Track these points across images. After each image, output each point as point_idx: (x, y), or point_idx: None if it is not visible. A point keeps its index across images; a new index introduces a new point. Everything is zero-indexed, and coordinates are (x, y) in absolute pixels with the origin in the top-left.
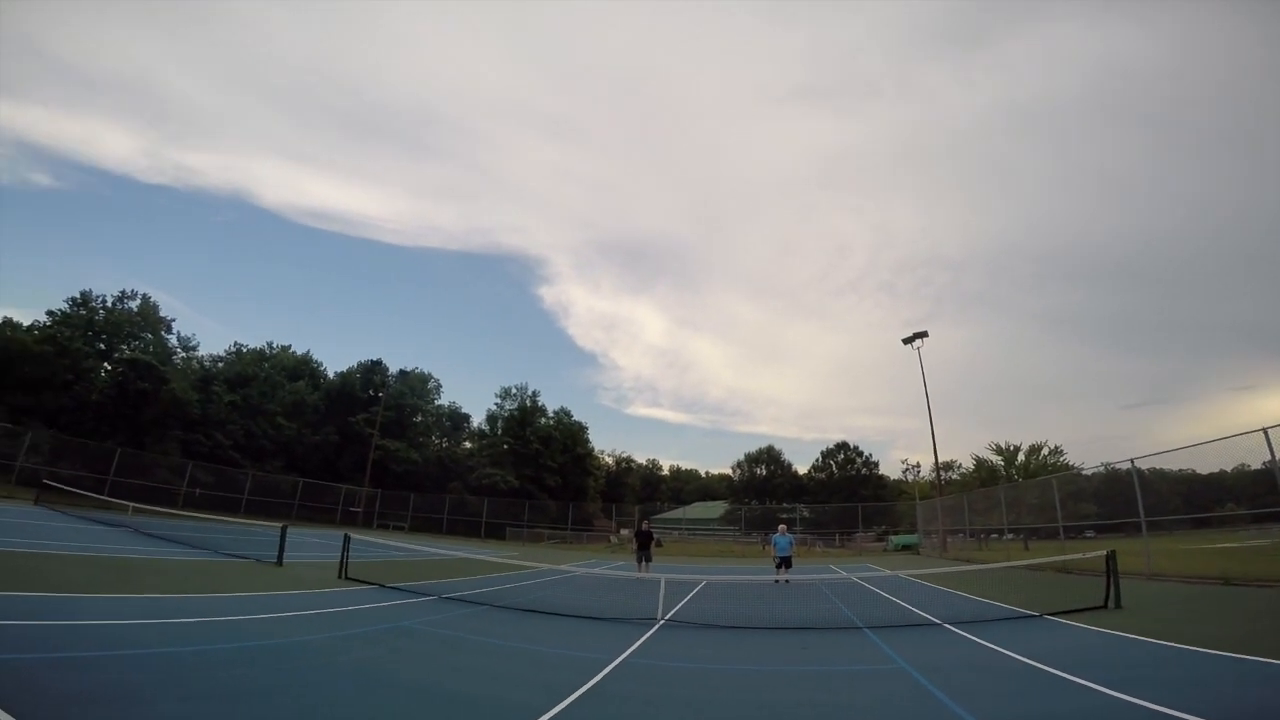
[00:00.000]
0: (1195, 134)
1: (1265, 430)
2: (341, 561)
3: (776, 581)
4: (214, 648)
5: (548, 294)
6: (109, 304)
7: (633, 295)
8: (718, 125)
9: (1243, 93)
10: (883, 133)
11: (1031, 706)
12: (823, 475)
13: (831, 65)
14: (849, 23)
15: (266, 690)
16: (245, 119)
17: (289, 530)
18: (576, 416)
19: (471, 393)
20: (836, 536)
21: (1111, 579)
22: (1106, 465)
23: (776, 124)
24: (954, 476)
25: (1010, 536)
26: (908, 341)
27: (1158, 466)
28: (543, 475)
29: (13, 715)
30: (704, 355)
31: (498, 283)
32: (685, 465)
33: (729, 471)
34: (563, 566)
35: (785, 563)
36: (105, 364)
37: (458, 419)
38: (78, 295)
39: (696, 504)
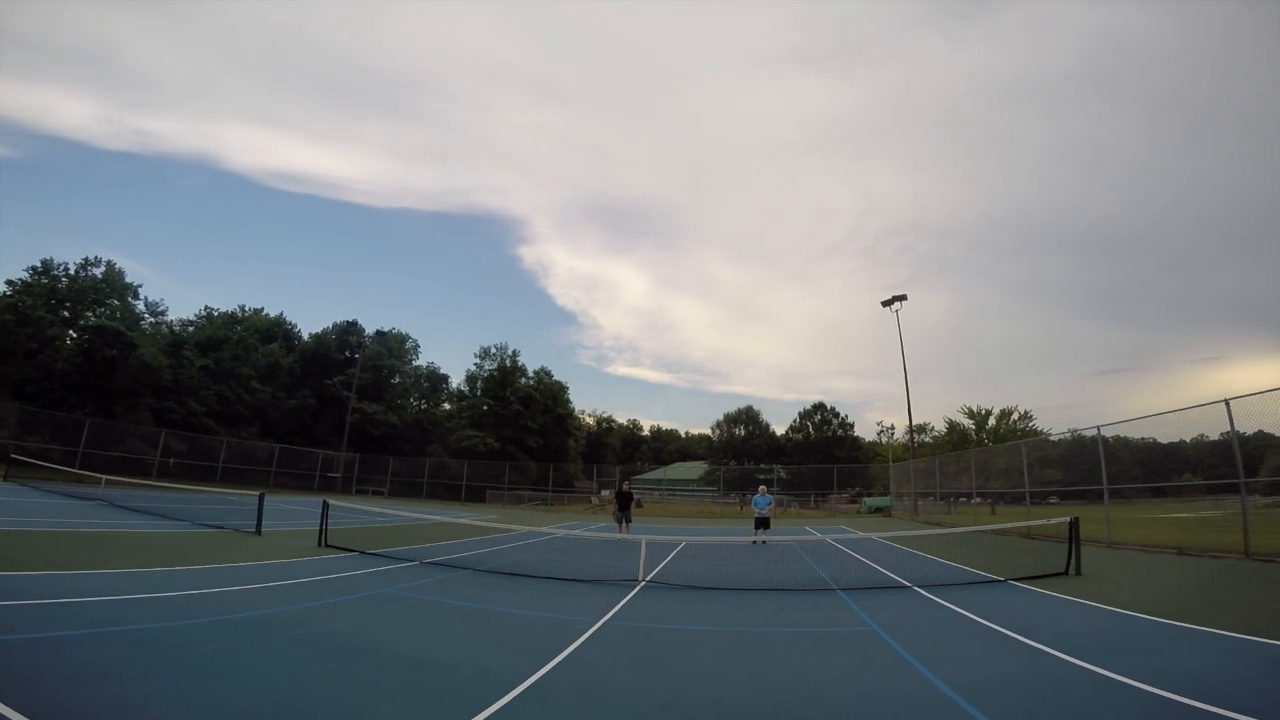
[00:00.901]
0: (1184, 111)
1: (1227, 401)
2: (321, 529)
3: (754, 543)
4: (194, 621)
5: (527, 254)
6: (72, 271)
7: (615, 256)
8: (706, 88)
9: (1234, 72)
10: (872, 99)
11: (995, 670)
12: (800, 436)
13: (824, 29)
14: None
15: (248, 663)
16: (213, 83)
17: (266, 498)
18: (557, 376)
19: (450, 353)
20: (812, 498)
21: (1073, 546)
22: (1073, 432)
23: (766, 87)
24: (927, 439)
25: (979, 501)
26: (887, 304)
27: (1121, 435)
28: (523, 436)
29: None
30: (686, 316)
31: (476, 243)
32: (666, 425)
33: (709, 432)
34: (543, 529)
35: (764, 523)
36: (70, 331)
37: (436, 380)
38: (38, 264)
39: (676, 464)
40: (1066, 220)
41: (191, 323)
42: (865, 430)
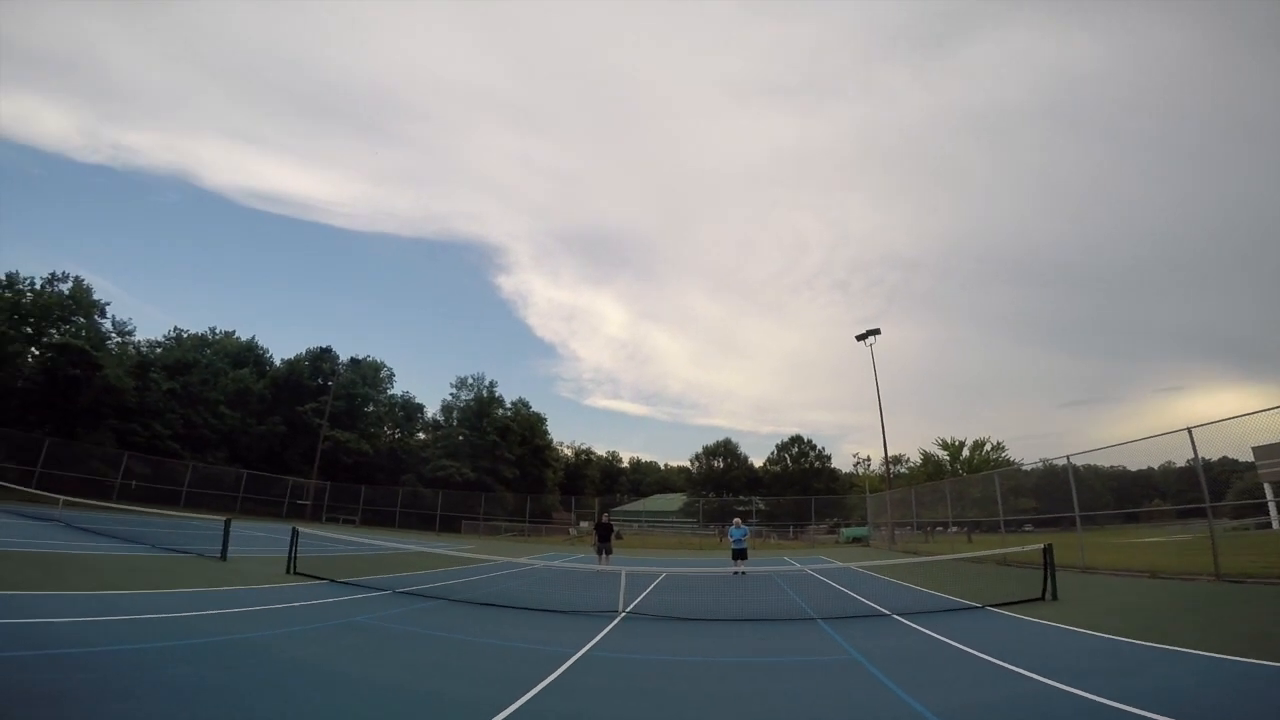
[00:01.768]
0: (1137, 143)
1: (1189, 430)
2: (290, 556)
3: (735, 573)
4: (156, 645)
5: (506, 283)
6: (37, 286)
7: (593, 286)
8: (682, 120)
9: (1185, 104)
10: (844, 132)
11: (976, 695)
12: (777, 468)
13: (797, 64)
14: (815, 22)
15: (213, 689)
16: (191, 97)
17: (233, 524)
18: (535, 408)
19: (425, 382)
20: (791, 529)
21: (1048, 572)
22: (1044, 461)
23: (741, 120)
24: (902, 470)
25: (955, 529)
26: (861, 338)
27: (1091, 463)
28: (500, 467)
29: None
30: (664, 348)
31: (454, 270)
32: (645, 458)
33: (687, 464)
34: (521, 560)
35: (741, 554)
36: (33, 349)
37: (411, 409)
38: (3, 277)
39: (655, 496)
40: (1028, 251)
41: (160, 344)
42: (842, 462)
